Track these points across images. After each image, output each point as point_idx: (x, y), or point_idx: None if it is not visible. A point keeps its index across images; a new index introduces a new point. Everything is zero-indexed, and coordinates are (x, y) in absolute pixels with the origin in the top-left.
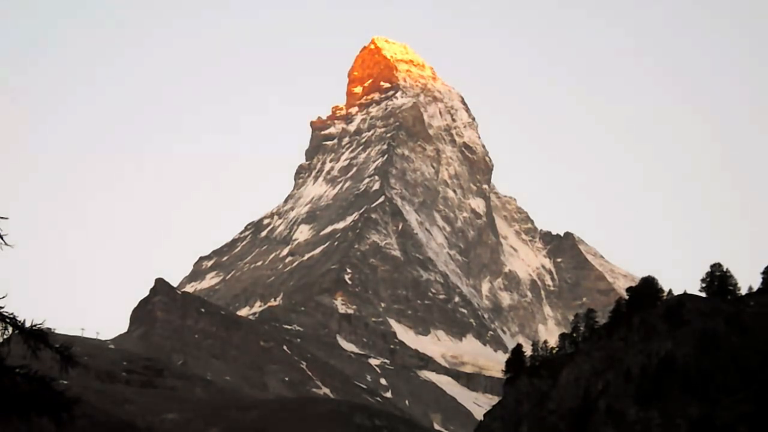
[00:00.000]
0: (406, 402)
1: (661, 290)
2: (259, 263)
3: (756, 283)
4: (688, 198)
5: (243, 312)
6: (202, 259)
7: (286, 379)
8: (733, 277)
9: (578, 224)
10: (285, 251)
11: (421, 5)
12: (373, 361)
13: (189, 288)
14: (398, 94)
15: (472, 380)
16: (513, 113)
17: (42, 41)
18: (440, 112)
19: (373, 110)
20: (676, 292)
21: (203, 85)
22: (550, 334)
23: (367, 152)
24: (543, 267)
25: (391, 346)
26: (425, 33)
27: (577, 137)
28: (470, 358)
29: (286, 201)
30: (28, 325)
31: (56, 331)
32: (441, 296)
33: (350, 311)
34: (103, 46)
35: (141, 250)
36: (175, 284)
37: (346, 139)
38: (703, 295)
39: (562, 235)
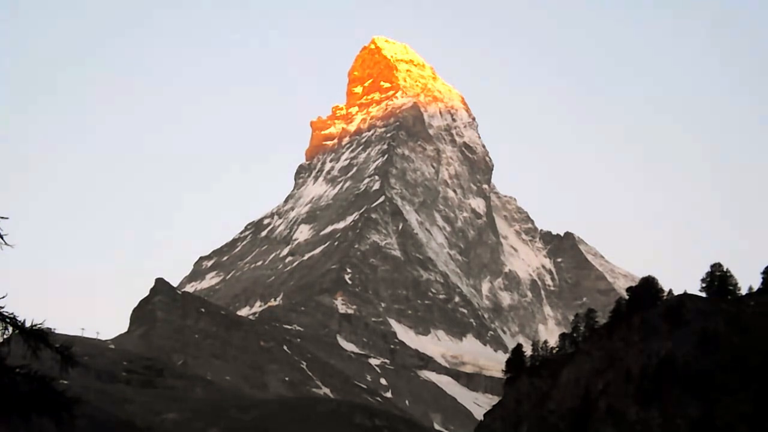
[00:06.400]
0: (406, 402)
1: (661, 290)
2: (259, 263)
3: (756, 283)
4: (688, 198)
5: (243, 312)
6: (202, 259)
7: (286, 379)
8: (733, 277)
9: (578, 224)
10: (285, 251)
11: (421, 5)
12: (373, 361)
13: (189, 288)
14: (398, 94)
15: (472, 380)
16: (513, 113)
17: (42, 43)
18: (440, 112)
19: (373, 110)
20: (676, 292)
21: (203, 83)
22: (550, 334)
23: (367, 152)
24: (543, 267)
25: (391, 346)
26: (425, 33)
27: (577, 137)
28: (470, 358)
29: (286, 201)
30: (28, 325)
31: (56, 331)
32: (441, 296)
33: (350, 311)
34: (103, 43)
35: (141, 250)
36: (175, 284)
37: (346, 139)
38: (703, 295)
39: (562, 235)
